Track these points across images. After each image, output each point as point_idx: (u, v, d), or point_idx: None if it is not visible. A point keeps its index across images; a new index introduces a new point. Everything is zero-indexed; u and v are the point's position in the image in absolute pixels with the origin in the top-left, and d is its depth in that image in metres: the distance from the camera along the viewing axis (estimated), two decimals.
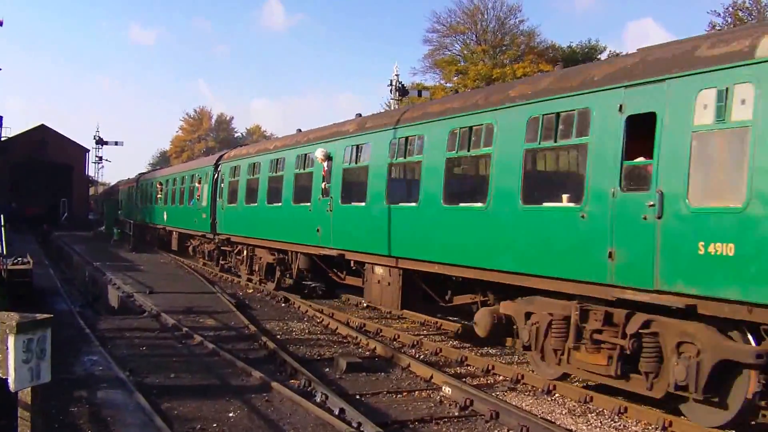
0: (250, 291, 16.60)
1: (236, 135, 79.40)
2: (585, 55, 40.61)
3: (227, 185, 18.96)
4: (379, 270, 11.63)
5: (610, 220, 6.99)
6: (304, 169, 14.19)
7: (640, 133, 6.83)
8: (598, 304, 7.31)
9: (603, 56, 40.96)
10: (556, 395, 7.85)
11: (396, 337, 10.86)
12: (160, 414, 6.64)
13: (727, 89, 6.07)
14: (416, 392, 7.87)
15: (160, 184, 28.58)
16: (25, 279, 14.59)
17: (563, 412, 7.26)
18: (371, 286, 11.96)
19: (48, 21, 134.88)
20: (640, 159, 6.88)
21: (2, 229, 14.34)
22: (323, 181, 13.11)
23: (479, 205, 8.99)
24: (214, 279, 18.85)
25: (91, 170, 56.70)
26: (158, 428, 6.23)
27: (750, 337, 6.11)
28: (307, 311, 13.43)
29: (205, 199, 20.85)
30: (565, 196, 7.78)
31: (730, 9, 24.12)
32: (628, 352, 6.88)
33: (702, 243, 6.12)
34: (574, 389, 7.84)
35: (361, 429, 6.32)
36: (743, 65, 5.98)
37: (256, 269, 17.20)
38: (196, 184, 22.32)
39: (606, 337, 7.17)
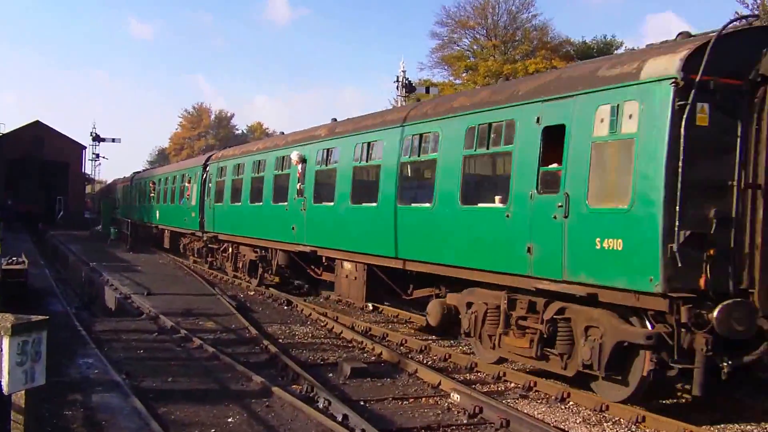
0: (251, 293, 16.36)
1: (237, 132, 78.94)
2: (600, 51, 40.40)
3: (214, 185, 19.86)
4: (347, 265, 12.46)
5: (529, 219, 7.91)
6: (282, 171, 15.10)
7: (554, 142, 7.69)
8: (523, 294, 8.20)
9: (619, 52, 40.85)
10: (570, 403, 7.60)
11: (403, 341, 10.64)
12: (156, 419, 6.41)
13: (618, 105, 6.92)
14: (423, 399, 7.64)
15: (153, 183, 29.20)
16: (20, 279, 14.33)
17: (577, 422, 7.02)
18: (341, 281, 12.82)
19: (41, 13, 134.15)
20: (553, 165, 7.72)
21: None
22: (298, 182, 13.95)
23: (427, 205, 9.92)
24: (214, 280, 18.62)
25: (87, 168, 56.22)
26: None
27: (647, 322, 6.84)
28: (310, 314, 13.20)
29: (194, 199, 21.57)
30: (497, 198, 8.61)
31: (758, 1, 23.99)
32: (545, 335, 7.76)
33: (598, 239, 6.96)
34: (589, 398, 7.60)
35: None
36: (631, 85, 6.85)
37: (240, 266, 18.08)
38: (186, 184, 23.00)
39: (529, 323, 8.08)
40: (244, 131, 78.20)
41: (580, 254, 7.18)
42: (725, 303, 6.22)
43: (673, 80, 6.38)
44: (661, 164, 6.41)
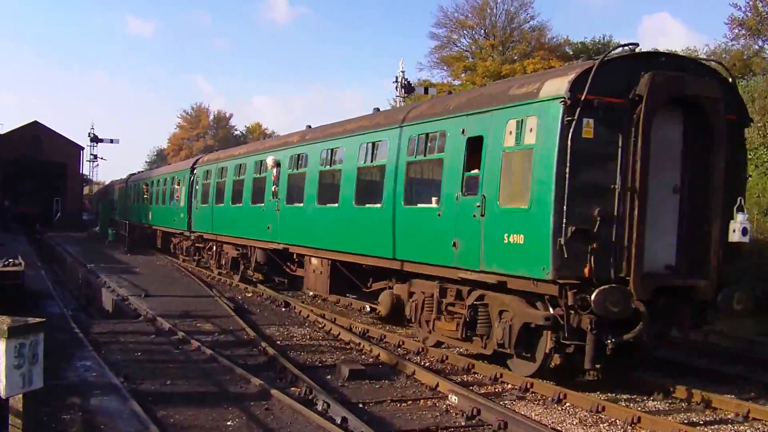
0: (249, 295, 16.35)
1: (236, 133, 78.53)
2: (598, 52, 40.34)
3: (201, 187, 21.21)
4: (314, 261, 13.59)
5: (455, 217, 9.03)
6: (260, 174, 16.24)
7: (475, 151, 8.78)
8: (452, 284, 9.30)
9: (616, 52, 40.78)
10: (567, 404, 7.63)
11: (401, 343, 10.65)
12: (155, 422, 6.41)
13: (522, 120, 8.01)
14: (421, 401, 7.64)
15: (146, 185, 30.35)
16: (16, 281, 14.25)
17: (574, 422, 7.05)
18: (309, 275, 13.96)
19: (38, 12, 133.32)
20: (474, 171, 8.79)
21: None
22: (273, 184, 15.08)
23: (378, 205, 10.97)
24: (212, 282, 18.60)
25: (85, 169, 55.92)
26: None
27: (548, 306, 7.83)
28: (308, 316, 13.20)
29: (183, 200, 22.83)
30: (434, 199, 9.59)
31: (751, 2, 23.95)
32: (468, 319, 8.87)
33: (506, 234, 8.06)
34: (585, 399, 7.64)
35: None
36: (532, 103, 7.91)
37: (223, 263, 19.36)
38: (176, 186, 24.22)
39: (456, 309, 9.27)
40: (243, 132, 77.73)
41: (493, 248, 8.28)
42: (602, 288, 7.16)
43: (562, 99, 7.42)
44: (552, 171, 7.43)
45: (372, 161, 11.44)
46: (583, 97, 7.36)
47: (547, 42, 38.74)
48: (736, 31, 25.36)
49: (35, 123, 47.32)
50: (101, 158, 59.81)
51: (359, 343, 10.52)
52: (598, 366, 8.15)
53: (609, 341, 7.36)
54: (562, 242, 7.29)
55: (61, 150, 46.50)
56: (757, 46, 26.80)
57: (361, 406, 7.35)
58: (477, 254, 8.50)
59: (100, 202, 44.59)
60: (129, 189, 35.76)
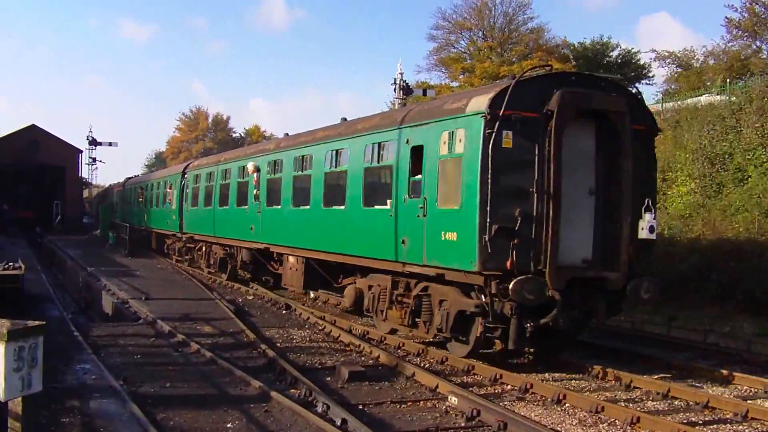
0: (250, 297, 16.35)
1: (234, 135, 78.41)
2: (597, 52, 40.41)
3: (191, 191, 22.28)
4: (291, 259, 14.66)
5: (403, 218, 9.98)
6: (243, 178, 17.23)
7: (419, 158, 9.76)
8: (402, 277, 10.35)
9: (615, 53, 40.95)
10: (567, 405, 7.64)
11: (400, 345, 10.65)
12: (155, 425, 6.40)
13: (453, 132, 9.02)
14: (421, 402, 7.65)
15: (141, 188, 31.23)
16: (16, 285, 14.23)
17: (573, 423, 7.06)
18: (286, 272, 15.05)
19: (33, 15, 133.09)
20: (418, 176, 9.72)
21: None
22: (255, 188, 16.10)
23: (342, 207, 11.98)
24: (212, 285, 18.59)
25: (84, 172, 55.72)
26: None
27: (480, 295, 8.77)
28: (308, 318, 13.20)
29: (175, 203, 23.83)
30: (388, 201, 10.49)
31: (747, 4, 23.97)
32: (413, 308, 9.99)
33: (443, 232, 9.03)
34: (584, 399, 7.65)
35: None
36: (460, 117, 8.94)
37: (212, 262, 20.36)
38: (168, 190, 25.24)
39: (404, 299, 10.36)
40: (242, 135, 77.65)
41: (433, 244, 9.24)
42: (519, 278, 8.15)
43: (483, 114, 8.42)
44: (477, 176, 8.41)
45: (336, 167, 12.41)
46: (501, 112, 8.35)
47: (545, 43, 38.67)
48: (734, 32, 25.40)
49: (33, 126, 47.18)
50: (100, 161, 59.66)
51: (359, 345, 10.53)
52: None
53: (529, 325, 8.44)
54: (487, 239, 8.29)
55: (59, 153, 46.36)
56: (754, 46, 26.84)
57: (360, 407, 7.35)
58: (421, 250, 9.47)
59: (101, 206, 44.53)
60: (126, 192, 36.36)
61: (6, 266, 15.14)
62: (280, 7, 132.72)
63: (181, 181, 23.37)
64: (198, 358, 9.60)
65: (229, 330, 11.75)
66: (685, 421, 7.12)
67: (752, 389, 8.65)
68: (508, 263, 8.29)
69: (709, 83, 26.37)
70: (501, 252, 8.29)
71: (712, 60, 30.19)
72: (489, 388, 8.42)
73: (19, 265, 15.46)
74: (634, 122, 9.03)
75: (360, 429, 6.35)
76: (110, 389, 7.59)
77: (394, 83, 30.25)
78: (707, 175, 16.61)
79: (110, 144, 57.71)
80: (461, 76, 39.18)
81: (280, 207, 14.82)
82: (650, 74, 40.33)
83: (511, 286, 8.09)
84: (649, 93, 63.19)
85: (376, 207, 10.85)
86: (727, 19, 25.08)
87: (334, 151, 12.49)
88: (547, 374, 9.14)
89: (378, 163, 11.01)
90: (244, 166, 17.02)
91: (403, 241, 9.91)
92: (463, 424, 6.85)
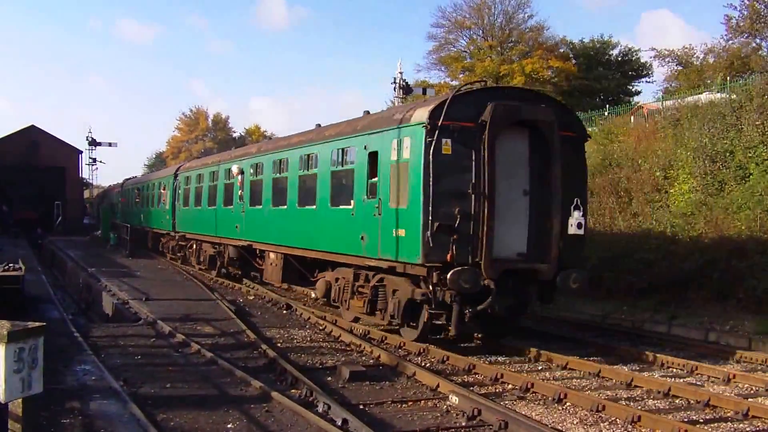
0: (251, 298, 16.34)
1: (234, 135, 78.29)
2: (598, 51, 40.38)
3: (182, 191, 23.38)
4: (271, 255, 15.69)
5: (362, 216, 10.92)
6: (229, 180, 18.30)
7: (375, 162, 10.71)
8: (363, 270, 11.29)
9: (615, 52, 40.94)
10: (567, 404, 7.62)
11: (401, 344, 10.65)
12: (155, 425, 6.40)
13: (401, 139, 9.99)
14: (422, 402, 7.63)
15: (138, 189, 32.23)
16: (15, 286, 14.21)
17: (575, 422, 7.04)
18: (267, 267, 16.15)
19: (33, 14, 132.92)
20: (374, 179, 10.65)
21: None
22: (239, 189, 17.22)
23: (313, 207, 12.97)
24: (213, 285, 18.59)
25: (84, 172, 55.66)
26: None
27: (427, 285, 9.67)
28: (309, 318, 13.19)
29: (168, 203, 24.91)
30: (351, 201, 11.37)
31: (746, 1, 23.83)
32: (371, 298, 10.95)
33: (394, 229, 9.98)
34: (585, 398, 7.63)
35: None
36: (407, 126, 9.92)
37: (202, 260, 21.25)
38: (162, 191, 26.32)
39: (364, 290, 11.29)
40: (242, 134, 77.52)
41: (386, 240, 10.16)
42: (455, 269, 9.09)
43: (424, 125, 9.39)
44: (420, 179, 9.38)
45: (308, 170, 13.44)
46: (440, 123, 9.32)
47: (545, 41, 38.59)
48: (733, 30, 25.32)
49: (32, 127, 47.21)
50: (100, 162, 59.53)
51: (360, 345, 10.52)
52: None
53: (468, 311, 9.44)
54: (429, 235, 9.23)
55: (59, 154, 46.41)
56: (754, 44, 26.77)
57: (361, 407, 7.34)
58: (376, 245, 10.44)
59: (101, 206, 44.50)
60: (125, 193, 36.93)
61: (6, 267, 15.13)
62: (281, 6, 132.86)
63: (174, 183, 24.40)
64: (198, 359, 9.59)
65: (230, 330, 11.75)
66: (686, 420, 7.11)
67: (753, 387, 8.64)
68: (449, 256, 9.21)
69: (709, 81, 26.31)
70: (442, 246, 9.23)
71: (713, 57, 30.13)
72: (490, 387, 8.41)
73: (19, 266, 15.44)
74: (563, 129, 10.02)
75: (361, 429, 6.34)
76: (110, 390, 7.59)
77: (394, 82, 30.22)
78: (708, 173, 16.55)
79: (110, 144, 57.73)
80: (461, 75, 39.10)
81: (261, 207, 15.80)
82: (651, 72, 40.41)
83: (449, 276, 9.06)
84: (650, 91, 63.28)
85: (341, 207, 11.77)
86: (727, 17, 25.02)
87: (307, 156, 13.56)
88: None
89: (342, 166, 12.00)
90: (229, 169, 18.05)
91: (362, 238, 10.82)
92: (464, 424, 6.83)
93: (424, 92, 31.27)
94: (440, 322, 9.87)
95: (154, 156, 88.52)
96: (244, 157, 17.75)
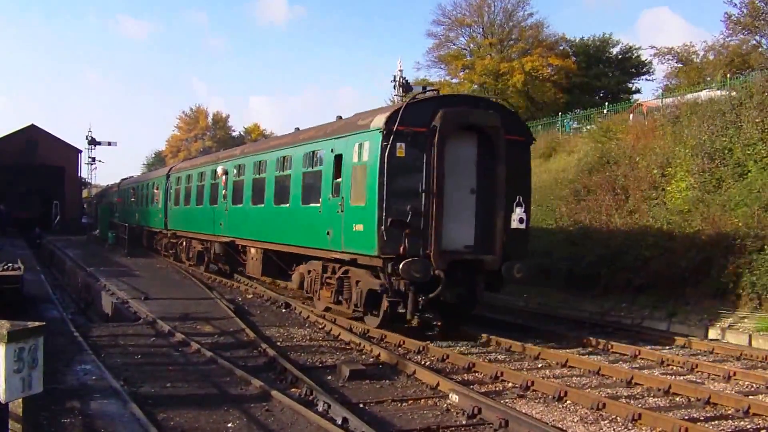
0: (250, 296, 16.34)
1: (234, 134, 78.09)
2: (598, 49, 40.32)
3: (174, 191, 24.55)
4: (252, 250, 16.71)
5: (328, 213, 11.85)
6: (215, 180, 19.43)
7: (339, 164, 11.63)
8: (330, 262, 12.29)
9: (615, 50, 40.89)
10: (568, 402, 7.62)
11: (401, 342, 10.66)
12: (155, 425, 6.39)
13: (362, 143, 10.92)
14: (422, 400, 7.64)
15: (133, 189, 33.15)
16: (14, 285, 14.18)
17: (575, 420, 7.05)
18: (249, 262, 17.19)
19: (32, 13, 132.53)
20: (339, 179, 11.57)
21: None
22: (224, 189, 18.40)
23: (287, 205, 14.08)
24: (212, 284, 18.58)
25: (83, 172, 55.54)
26: None
27: (385, 276, 10.48)
28: (308, 317, 13.18)
29: (161, 202, 26.04)
30: (319, 200, 12.36)
31: None
32: (337, 288, 12.05)
33: (354, 224, 10.88)
34: (585, 396, 7.63)
35: None
36: (366, 131, 10.86)
37: (191, 256, 22.60)
38: (155, 190, 27.39)
39: (331, 281, 12.36)
40: (242, 133, 77.32)
41: (348, 234, 11.07)
42: (407, 260, 10.04)
43: (381, 130, 10.33)
44: (376, 179, 10.32)
45: (284, 171, 14.52)
46: (395, 128, 10.24)
47: (545, 39, 38.53)
48: (733, 25, 25.27)
49: (32, 126, 47.15)
50: (99, 161, 59.42)
51: (359, 343, 10.52)
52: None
53: (421, 299, 10.36)
54: (383, 229, 10.16)
55: (58, 153, 46.34)
56: (754, 41, 26.74)
57: (361, 406, 7.34)
58: (340, 240, 11.31)
59: (99, 206, 44.43)
60: (122, 193, 37.39)
61: (5, 267, 15.10)
62: (280, 4, 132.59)
63: (166, 183, 25.51)
64: (198, 358, 9.58)
65: (229, 329, 11.74)
66: (686, 418, 7.11)
67: (753, 385, 8.65)
68: (401, 249, 10.17)
69: (709, 78, 26.29)
70: (395, 240, 10.17)
71: (712, 55, 30.09)
72: (490, 385, 8.41)
73: (18, 265, 15.42)
74: (509, 134, 10.91)
75: (361, 428, 6.34)
76: (111, 390, 7.57)
77: (394, 80, 30.10)
78: (707, 170, 16.56)
79: (109, 143, 57.75)
80: (461, 73, 39.05)
81: (242, 205, 16.95)
82: (651, 70, 40.38)
83: (401, 266, 10.00)
84: (649, 89, 63.30)
85: (311, 205, 12.76)
86: (727, 14, 24.98)
87: (282, 158, 14.66)
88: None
89: (313, 168, 13.00)
90: (215, 170, 19.30)
91: (328, 233, 11.75)
92: (464, 422, 6.84)
93: (424, 90, 31.14)
94: (402, 311, 10.76)
95: (153, 155, 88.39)
96: (229, 158, 18.95)
